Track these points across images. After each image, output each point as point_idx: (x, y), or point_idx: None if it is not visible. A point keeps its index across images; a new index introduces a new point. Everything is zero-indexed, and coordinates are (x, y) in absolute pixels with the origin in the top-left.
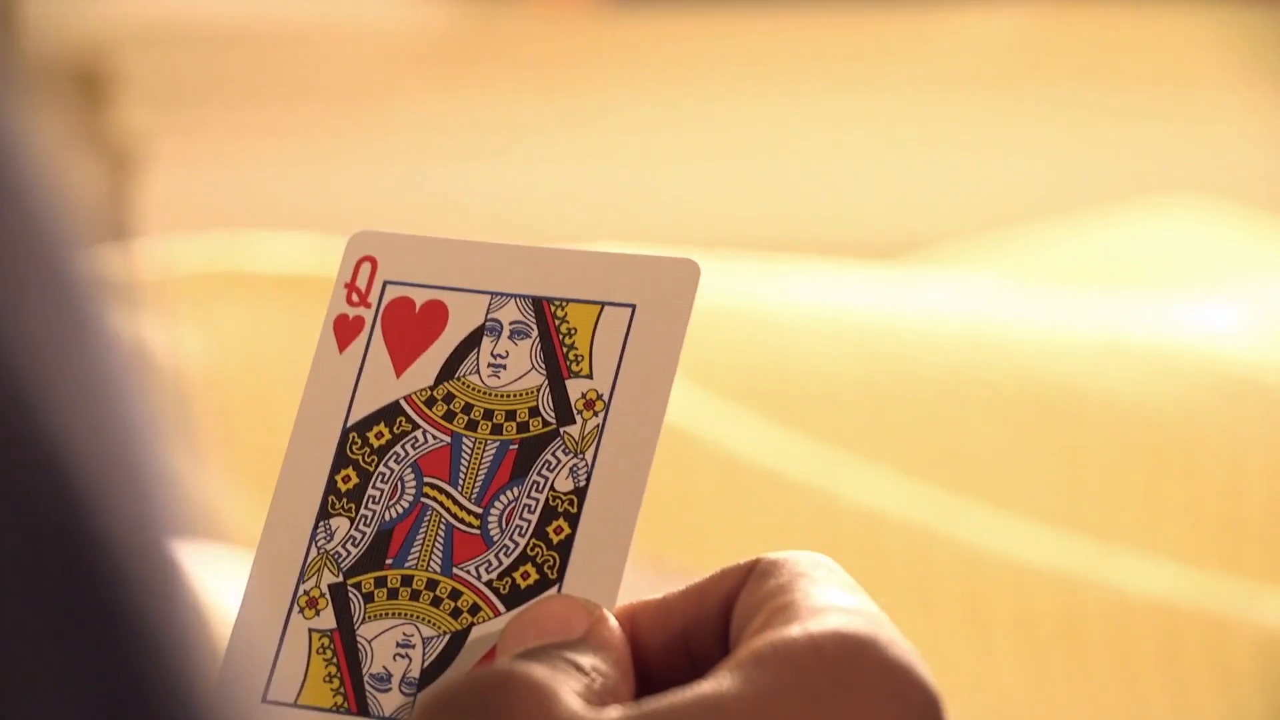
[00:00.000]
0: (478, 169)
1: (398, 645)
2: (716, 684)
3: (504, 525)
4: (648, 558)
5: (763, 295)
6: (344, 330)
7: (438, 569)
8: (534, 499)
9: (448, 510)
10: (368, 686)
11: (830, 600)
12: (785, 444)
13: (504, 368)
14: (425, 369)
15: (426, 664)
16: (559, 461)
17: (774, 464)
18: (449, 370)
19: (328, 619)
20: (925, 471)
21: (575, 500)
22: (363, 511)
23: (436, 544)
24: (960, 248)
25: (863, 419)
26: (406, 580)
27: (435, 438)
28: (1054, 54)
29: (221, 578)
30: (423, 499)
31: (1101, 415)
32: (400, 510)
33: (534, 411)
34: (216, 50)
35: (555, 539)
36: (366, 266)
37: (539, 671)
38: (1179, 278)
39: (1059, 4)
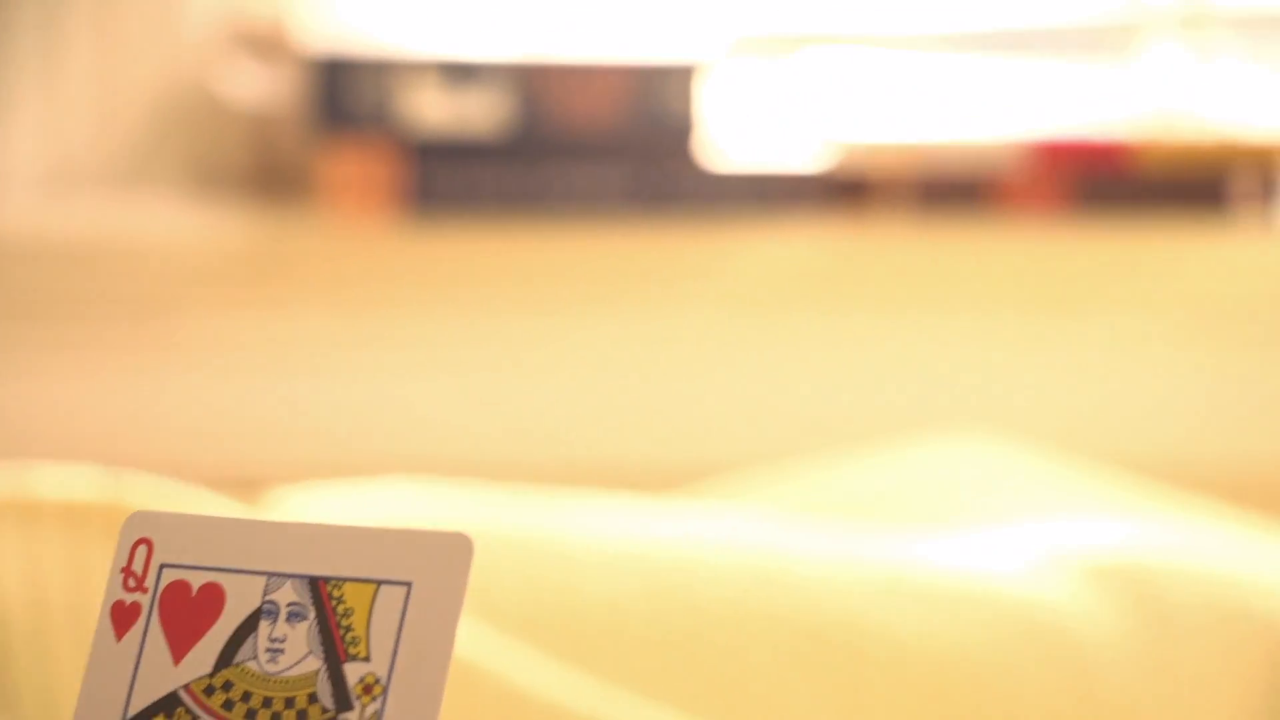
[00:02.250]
0: (273, 385)
1: None
2: None
3: None
4: None
5: (548, 525)
6: (121, 617)
7: None
8: None
9: None
10: None
11: None
12: (569, 679)
13: (282, 651)
14: (204, 655)
15: None
16: None
17: (557, 699)
18: (227, 656)
19: None
20: (708, 707)
21: None
22: None
23: None
24: (746, 477)
25: (648, 653)
26: None
27: None
28: (843, 280)
29: None
30: None
31: (883, 651)
32: None
33: (313, 698)
34: (3, 264)
35: None
36: (143, 550)
37: None
38: (961, 513)
39: (848, 229)
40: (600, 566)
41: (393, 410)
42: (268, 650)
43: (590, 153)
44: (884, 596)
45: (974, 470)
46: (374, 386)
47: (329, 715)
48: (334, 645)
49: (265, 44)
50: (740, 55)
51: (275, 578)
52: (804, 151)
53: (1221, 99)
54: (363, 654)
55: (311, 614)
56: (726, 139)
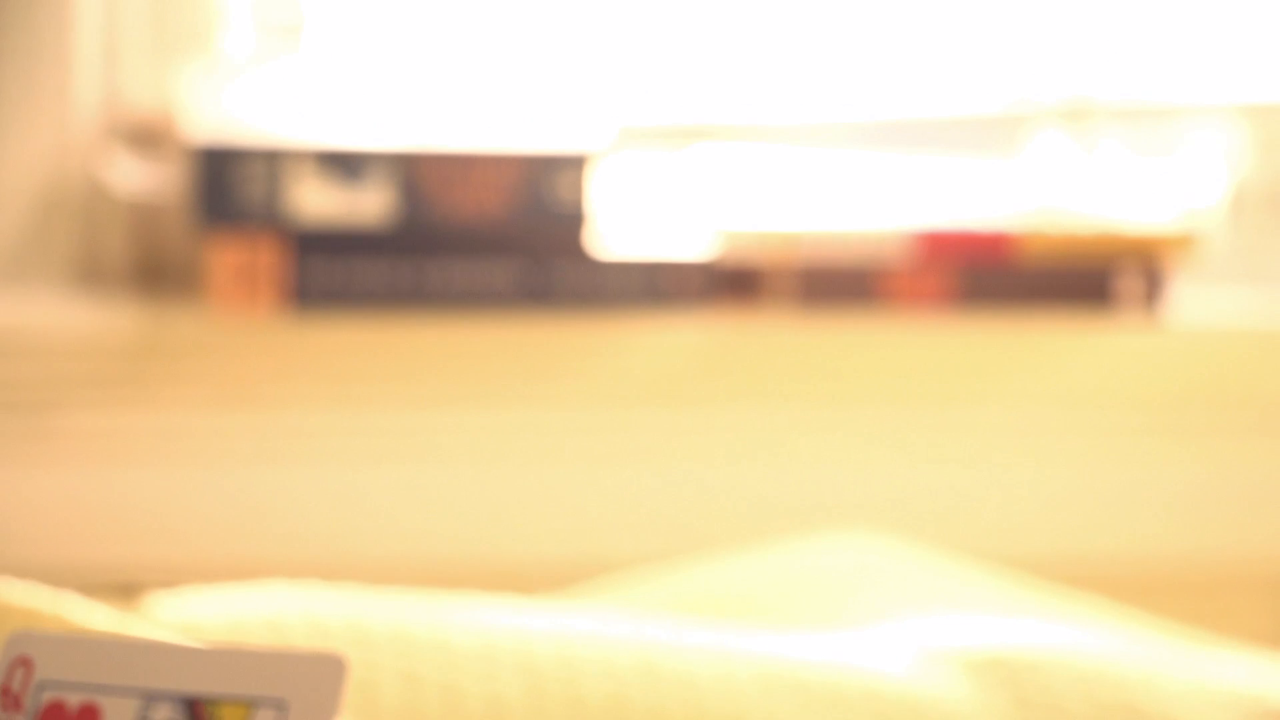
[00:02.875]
0: (155, 481)
1: None
2: None
3: None
4: None
5: (427, 623)
6: None
7: None
8: None
9: None
10: None
11: None
12: None
13: None
14: None
15: None
16: None
17: None
18: None
19: None
20: None
21: None
22: None
23: None
24: (629, 575)
25: None
26: None
27: None
28: (730, 371)
29: None
30: None
31: None
32: None
33: None
34: None
35: None
36: (21, 671)
37: None
38: (844, 608)
39: (735, 320)
40: (481, 662)
41: (277, 506)
42: None
43: (477, 244)
44: (766, 691)
45: (857, 565)
46: (257, 482)
47: None
48: None
49: (149, 135)
50: (628, 146)
51: (153, 698)
52: (691, 242)
53: (1106, 192)
54: None
55: None
56: (614, 230)
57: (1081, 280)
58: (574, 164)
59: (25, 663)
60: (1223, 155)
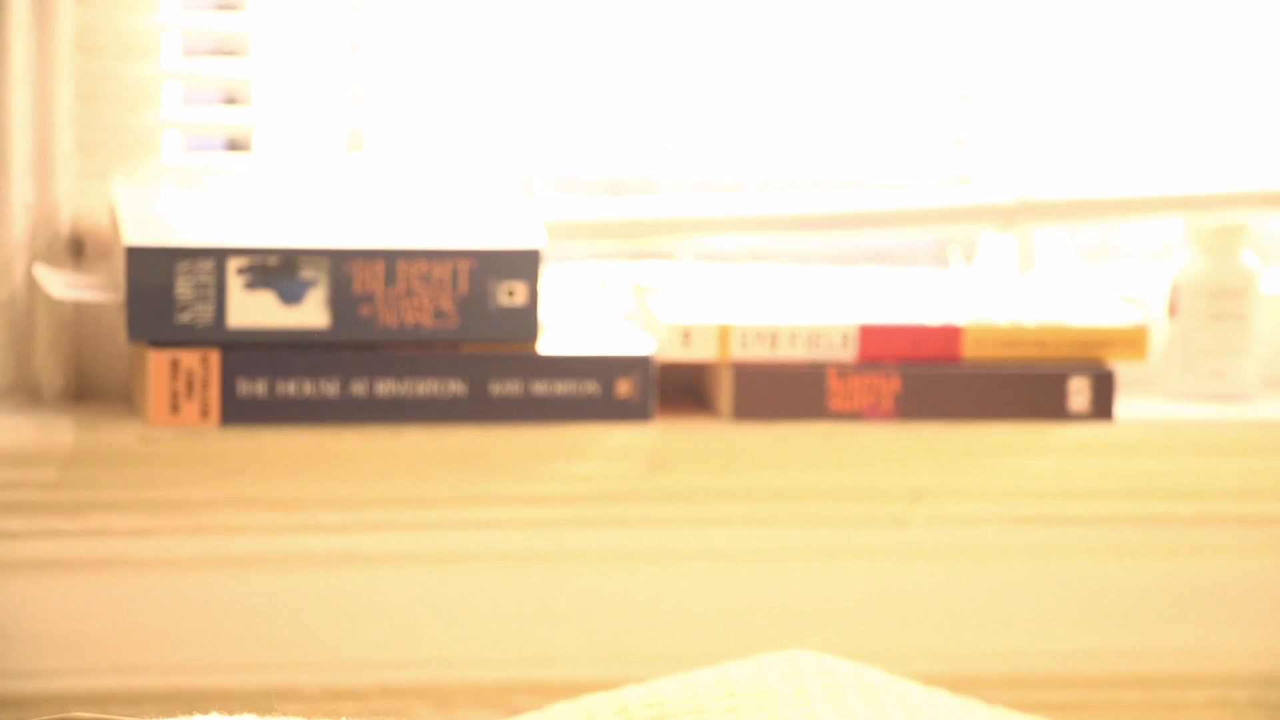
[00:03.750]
0: (85, 590)
1: None
2: None
3: None
4: None
5: None
6: None
7: None
8: None
9: None
10: None
11: None
12: None
13: None
14: None
15: None
16: None
17: None
18: None
19: None
20: None
21: None
22: None
23: None
24: (545, 695)
25: None
26: None
27: None
28: (672, 473)
29: None
30: None
31: None
32: None
33: None
34: None
35: None
36: None
37: None
38: None
39: (678, 422)
40: None
41: (211, 614)
42: None
43: (415, 349)
44: None
45: (794, 681)
46: (190, 592)
47: None
48: None
49: (82, 245)
50: (571, 247)
51: None
52: (635, 345)
53: (1052, 291)
54: None
55: None
56: (557, 334)
57: (1029, 380)
58: (516, 267)
59: None
60: (1168, 251)
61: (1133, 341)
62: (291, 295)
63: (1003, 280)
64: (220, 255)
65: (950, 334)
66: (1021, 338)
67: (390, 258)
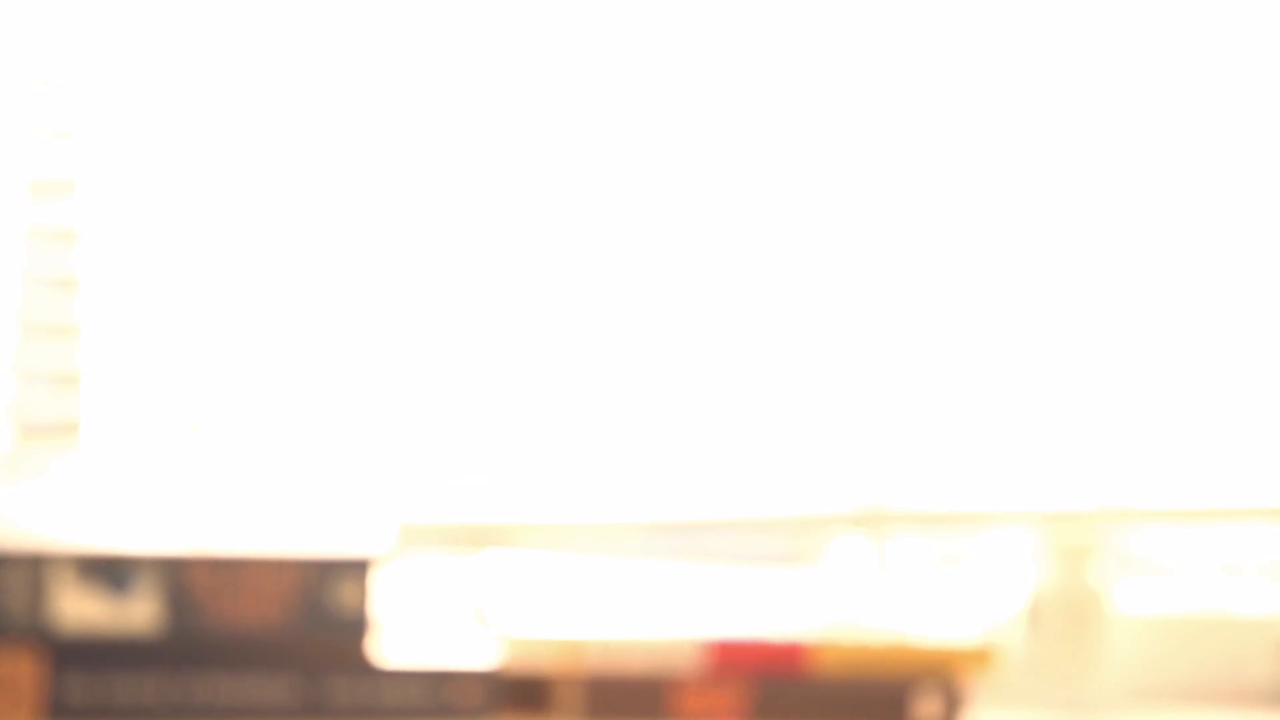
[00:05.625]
0: None
1: None
2: None
3: None
4: None
5: None
6: None
7: None
8: None
9: None
10: None
11: None
12: None
13: None
14: None
15: None
16: None
17: None
18: None
19: None
20: None
21: None
22: None
23: None
24: None
25: None
26: None
27: None
28: None
29: None
30: None
31: None
32: None
33: None
34: None
35: None
36: None
37: None
38: None
39: None
40: None
41: None
42: None
43: (250, 654)
44: None
45: None
46: None
47: None
48: None
49: None
50: (410, 549)
51: None
52: (476, 651)
53: (902, 603)
54: None
55: None
56: (396, 638)
57: (877, 695)
58: (353, 570)
59: None
60: (1020, 565)
61: (981, 658)
62: (122, 595)
63: (855, 589)
64: (48, 552)
65: (800, 645)
66: (872, 652)
67: (228, 558)
